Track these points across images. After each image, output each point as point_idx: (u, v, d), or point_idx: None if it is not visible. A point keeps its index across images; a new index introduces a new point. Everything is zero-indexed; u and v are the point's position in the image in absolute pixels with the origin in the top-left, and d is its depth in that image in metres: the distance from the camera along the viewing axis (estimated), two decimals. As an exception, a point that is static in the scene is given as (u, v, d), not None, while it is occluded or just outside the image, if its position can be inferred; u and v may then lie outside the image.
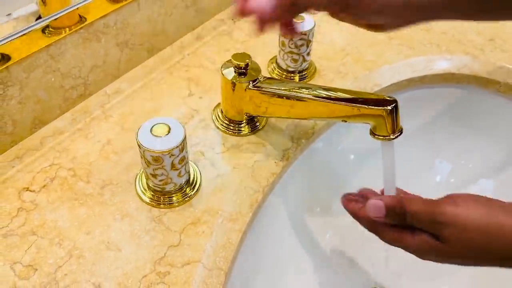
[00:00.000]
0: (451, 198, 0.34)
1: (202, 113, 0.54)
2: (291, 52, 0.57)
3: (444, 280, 0.58)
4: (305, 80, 0.60)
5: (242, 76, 0.47)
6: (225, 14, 0.70)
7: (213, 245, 0.42)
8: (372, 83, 0.60)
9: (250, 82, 0.47)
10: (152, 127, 0.41)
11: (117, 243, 0.41)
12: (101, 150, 0.49)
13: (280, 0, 0.35)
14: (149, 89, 0.57)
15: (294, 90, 0.44)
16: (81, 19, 0.49)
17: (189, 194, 0.45)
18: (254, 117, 0.52)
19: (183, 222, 0.43)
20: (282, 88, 0.45)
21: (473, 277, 0.58)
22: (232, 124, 0.52)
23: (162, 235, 0.42)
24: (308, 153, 0.56)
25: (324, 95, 0.43)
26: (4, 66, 0.44)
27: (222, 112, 0.53)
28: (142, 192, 0.45)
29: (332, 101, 0.42)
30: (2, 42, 0.43)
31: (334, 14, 0.37)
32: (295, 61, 0.58)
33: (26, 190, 0.45)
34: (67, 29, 0.48)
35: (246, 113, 0.50)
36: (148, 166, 0.42)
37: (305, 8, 0.37)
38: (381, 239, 0.39)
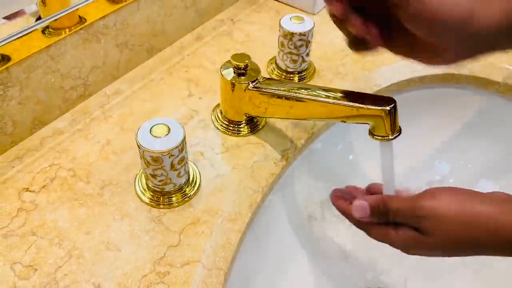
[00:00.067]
0: (429, 192, 0.36)
1: (202, 114, 0.54)
2: (290, 53, 0.57)
3: (445, 281, 0.58)
4: (304, 80, 0.60)
5: (242, 77, 0.47)
6: (225, 14, 0.70)
7: (212, 245, 0.42)
8: (371, 83, 0.60)
9: (250, 82, 0.47)
10: (152, 127, 0.41)
11: (117, 243, 0.42)
12: (101, 151, 0.49)
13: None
14: (149, 90, 0.57)
15: (293, 90, 0.45)
16: (81, 20, 0.49)
17: (189, 195, 0.45)
18: (253, 117, 0.52)
19: (182, 222, 0.43)
20: (282, 89, 0.45)
21: (475, 278, 0.58)
22: (231, 125, 0.52)
23: (161, 235, 0.42)
24: (307, 154, 0.56)
25: (323, 96, 0.43)
26: (4, 67, 0.44)
27: (221, 112, 0.53)
28: (142, 192, 0.45)
29: (331, 102, 0.42)
30: (2, 43, 0.43)
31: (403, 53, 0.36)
32: (295, 61, 0.58)
33: (26, 191, 0.45)
34: (67, 29, 0.48)
35: (246, 114, 0.50)
36: (147, 166, 0.42)
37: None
38: (369, 236, 0.40)
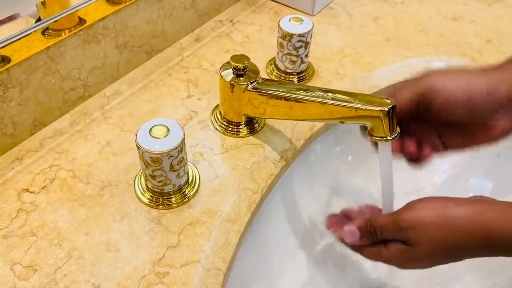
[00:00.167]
0: (408, 205, 0.38)
1: (201, 115, 0.54)
2: (289, 54, 0.57)
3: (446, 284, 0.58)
4: (303, 81, 0.60)
5: (241, 78, 0.47)
6: (224, 15, 0.70)
7: (211, 245, 0.42)
8: (370, 84, 0.60)
9: (249, 83, 0.47)
10: (151, 128, 0.41)
11: (116, 243, 0.42)
12: (101, 152, 0.49)
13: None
14: (148, 91, 0.57)
15: (292, 91, 0.45)
16: (81, 21, 0.49)
17: (188, 195, 0.46)
18: (252, 118, 0.52)
19: (182, 223, 0.44)
20: (281, 90, 0.46)
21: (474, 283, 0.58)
22: (230, 126, 0.52)
23: (161, 235, 0.42)
24: (307, 154, 0.56)
25: (322, 97, 0.43)
26: (4, 68, 0.44)
27: (220, 113, 0.53)
28: (141, 193, 0.45)
29: (330, 103, 0.42)
30: (2, 44, 0.43)
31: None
32: (294, 62, 0.58)
33: (26, 191, 0.45)
34: (67, 31, 0.48)
35: (245, 115, 0.51)
36: (147, 167, 0.42)
37: None
38: (364, 257, 0.41)
